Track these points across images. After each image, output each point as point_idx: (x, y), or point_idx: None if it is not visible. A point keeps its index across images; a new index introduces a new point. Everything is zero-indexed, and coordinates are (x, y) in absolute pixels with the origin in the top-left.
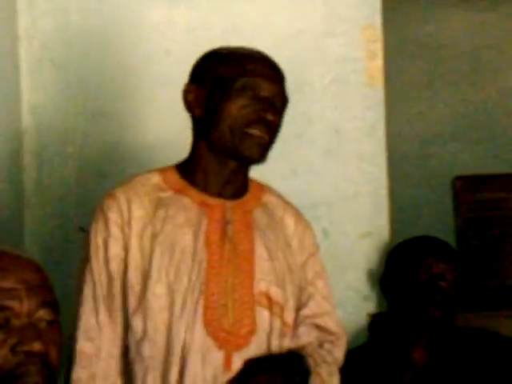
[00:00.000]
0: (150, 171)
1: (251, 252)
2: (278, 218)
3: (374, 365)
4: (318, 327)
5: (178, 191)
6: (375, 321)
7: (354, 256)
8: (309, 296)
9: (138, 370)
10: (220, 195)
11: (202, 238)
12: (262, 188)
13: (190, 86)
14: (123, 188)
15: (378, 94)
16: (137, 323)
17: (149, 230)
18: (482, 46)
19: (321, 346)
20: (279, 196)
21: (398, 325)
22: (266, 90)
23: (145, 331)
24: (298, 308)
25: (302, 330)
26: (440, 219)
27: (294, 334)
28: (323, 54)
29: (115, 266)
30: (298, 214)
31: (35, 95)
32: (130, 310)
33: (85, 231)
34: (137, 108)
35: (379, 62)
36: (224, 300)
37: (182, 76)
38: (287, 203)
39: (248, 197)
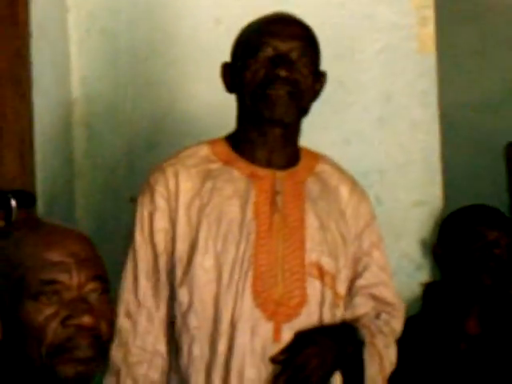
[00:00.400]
0: (199, 143)
1: (302, 222)
2: (331, 188)
3: (428, 335)
4: (374, 297)
5: (226, 163)
6: (428, 290)
7: (408, 224)
8: (364, 266)
9: (185, 340)
10: (269, 165)
11: (250, 209)
12: (316, 157)
13: (224, 67)
14: (171, 161)
15: (430, 61)
16: (183, 295)
17: (196, 201)
18: None
19: (378, 316)
20: (334, 165)
21: (451, 294)
22: (278, 47)
23: (191, 303)
24: (354, 278)
25: (359, 300)
26: (494, 186)
27: (350, 305)
28: (374, 20)
29: (160, 240)
30: (354, 183)
31: (84, 65)
32: (177, 282)
33: (135, 201)
34: (186, 78)
35: (430, 28)
36: (274, 271)
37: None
38: (342, 172)
39: (300, 166)
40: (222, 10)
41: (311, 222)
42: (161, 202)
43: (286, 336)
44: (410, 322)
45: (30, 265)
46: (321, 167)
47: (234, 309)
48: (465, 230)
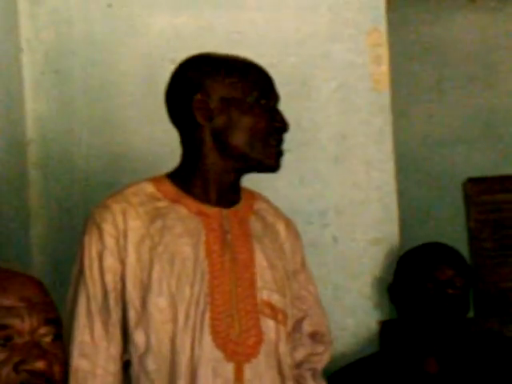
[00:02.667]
0: (141, 181)
1: (251, 261)
2: (269, 225)
3: (387, 373)
4: (315, 336)
5: (173, 201)
6: (386, 328)
7: (364, 263)
8: (309, 304)
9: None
10: (218, 204)
11: (202, 248)
12: (253, 195)
13: (199, 96)
14: (116, 198)
15: (385, 99)
16: (139, 337)
17: (147, 241)
18: (490, 46)
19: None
20: (268, 202)
21: (408, 333)
22: (272, 98)
23: (148, 345)
24: (301, 316)
25: (307, 341)
26: (452, 222)
27: (300, 343)
28: (329, 59)
29: (110, 278)
30: (288, 220)
31: (39, 107)
32: (131, 324)
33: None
34: (143, 118)
35: (385, 67)
36: (229, 311)
37: None
38: (276, 209)
39: (241, 205)
40: (177, 51)
41: (260, 260)
42: (109, 240)
43: (248, 376)
44: (368, 361)
45: None
46: (259, 205)
47: (192, 349)
48: (418, 270)
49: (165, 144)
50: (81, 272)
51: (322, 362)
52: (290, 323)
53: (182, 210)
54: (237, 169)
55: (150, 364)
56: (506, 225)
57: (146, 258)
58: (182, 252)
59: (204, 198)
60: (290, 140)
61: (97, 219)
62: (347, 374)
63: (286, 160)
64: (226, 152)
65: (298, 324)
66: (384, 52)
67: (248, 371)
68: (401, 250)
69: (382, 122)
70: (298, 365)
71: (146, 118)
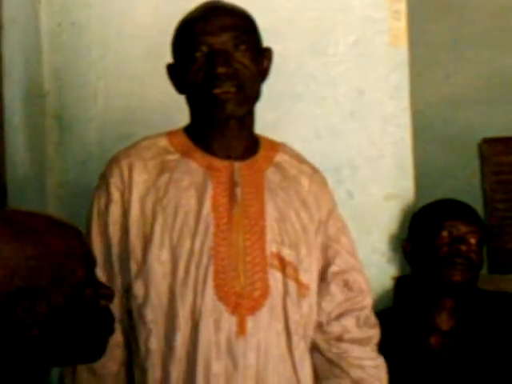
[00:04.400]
0: (158, 134)
1: (261, 213)
2: (291, 177)
3: (399, 328)
4: (347, 284)
5: (184, 154)
6: (399, 284)
7: (379, 218)
8: (335, 253)
9: (141, 333)
10: (227, 157)
11: (208, 202)
12: (276, 147)
13: (169, 68)
14: (127, 152)
15: (402, 54)
16: (138, 288)
17: (152, 194)
18: (508, 5)
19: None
20: (294, 154)
21: (421, 289)
22: (213, 44)
23: (146, 296)
24: (326, 265)
25: (334, 288)
26: (467, 182)
27: (326, 292)
28: (347, 13)
29: (115, 231)
30: (314, 171)
31: (56, 58)
32: (132, 274)
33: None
34: (159, 69)
35: (403, 22)
36: (235, 264)
37: None
38: (302, 161)
39: (259, 156)
40: (193, 2)
41: (271, 213)
42: (115, 193)
43: (251, 329)
44: (381, 316)
45: None
46: (280, 157)
47: (194, 302)
48: (432, 225)
49: (180, 96)
50: (88, 224)
51: (364, 311)
52: (306, 276)
53: (191, 164)
54: (213, 122)
55: (148, 314)
56: None
57: (149, 210)
58: (186, 205)
59: (213, 152)
60: (306, 95)
61: (106, 173)
62: None
63: (302, 114)
64: (195, 110)
65: (324, 273)
66: (403, 7)
67: (251, 324)
68: (415, 206)
69: (399, 78)
70: (339, 316)
71: (161, 70)
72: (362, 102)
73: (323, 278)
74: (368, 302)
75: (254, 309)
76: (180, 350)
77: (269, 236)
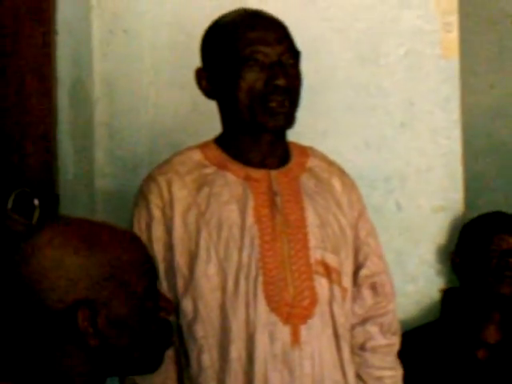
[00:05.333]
0: (189, 148)
1: (303, 221)
2: (324, 181)
3: (446, 341)
4: (374, 287)
5: (220, 167)
6: (447, 296)
7: (427, 230)
8: (365, 256)
9: (192, 350)
10: (264, 166)
11: (250, 213)
12: (306, 152)
13: (199, 72)
14: (163, 169)
15: (453, 66)
16: (187, 304)
17: (193, 209)
18: None
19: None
20: (323, 157)
21: (469, 301)
22: (270, 55)
23: (196, 312)
24: (357, 268)
25: (365, 291)
26: (507, 195)
27: (359, 296)
28: (398, 25)
29: (159, 249)
30: (343, 173)
31: (107, 65)
32: (180, 292)
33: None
34: None
35: (454, 34)
36: (283, 274)
37: None
38: (331, 163)
39: (292, 163)
40: None
41: (311, 219)
42: (156, 211)
43: (305, 337)
44: (429, 328)
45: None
46: (311, 161)
47: (247, 315)
48: (481, 238)
49: None
50: None
51: (388, 316)
52: (346, 280)
53: (229, 176)
54: (258, 134)
55: (198, 331)
56: None
57: (193, 226)
58: (229, 218)
59: (249, 162)
60: (356, 105)
61: (144, 191)
62: (407, 341)
63: (352, 124)
64: (236, 120)
65: (355, 276)
66: (454, 19)
67: (304, 332)
68: (464, 218)
69: (450, 90)
70: (363, 321)
71: None
72: (412, 113)
73: (354, 281)
74: (392, 306)
75: (305, 317)
76: (235, 364)
77: (312, 243)
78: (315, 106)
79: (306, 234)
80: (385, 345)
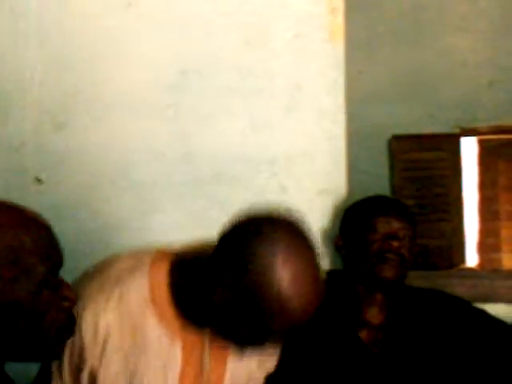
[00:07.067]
0: (138, 263)
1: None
2: None
3: (329, 322)
4: None
5: (161, 318)
6: (329, 278)
7: (312, 212)
8: None
9: None
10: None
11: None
12: None
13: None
14: (106, 303)
15: (339, 50)
16: None
17: (122, 362)
18: (421, 5)
19: None
20: None
21: (351, 283)
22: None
23: None
24: None
25: None
26: (376, 178)
27: None
28: (286, 8)
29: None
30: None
31: None
32: None
33: (41, 182)
34: (96, 58)
35: (340, 18)
36: None
37: (144, 28)
38: None
39: None
40: None
41: None
42: (87, 354)
43: None
44: None
45: None
46: None
47: None
48: (363, 222)
49: (118, 85)
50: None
51: None
52: None
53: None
54: None
55: None
56: (428, 183)
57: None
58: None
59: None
60: (242, 88)
61: (80, 316)
62: None
63: (238, 108)
64: None
65: None
66: (340, 4)
67: None
68: (348, 201)
69: (336, 74)
70: None
71: (98, 59)
72: (298, 97)
73: None
74: None
75: None
76: None
77: None
78: (201, 88)
79: None
80: None
